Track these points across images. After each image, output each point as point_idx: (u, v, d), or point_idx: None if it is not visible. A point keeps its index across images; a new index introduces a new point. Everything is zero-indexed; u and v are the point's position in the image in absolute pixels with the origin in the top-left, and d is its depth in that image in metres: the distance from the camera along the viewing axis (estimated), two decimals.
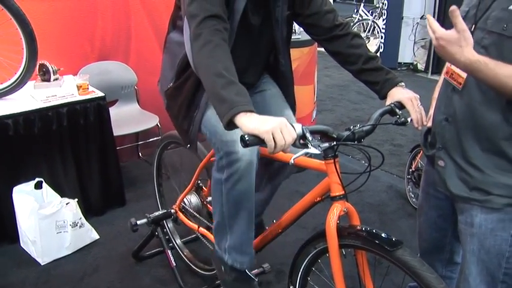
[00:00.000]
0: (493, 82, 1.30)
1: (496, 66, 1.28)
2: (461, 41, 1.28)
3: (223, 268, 2.00)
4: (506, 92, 1.31)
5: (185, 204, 2.44)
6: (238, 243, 1.91)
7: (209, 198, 2.33)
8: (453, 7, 1.28)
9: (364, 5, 9.70)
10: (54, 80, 3.25)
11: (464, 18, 1.50)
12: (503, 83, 1.28)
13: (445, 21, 6.69)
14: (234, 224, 1.87)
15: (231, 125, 1.36)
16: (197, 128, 1.86)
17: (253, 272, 2.42)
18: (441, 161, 1.58)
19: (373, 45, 8.53)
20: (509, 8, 1.32)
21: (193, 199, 2.42)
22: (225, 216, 1.87)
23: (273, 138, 1.30)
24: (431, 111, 1.69)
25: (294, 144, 1.36)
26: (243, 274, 1.98)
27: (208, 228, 2.29)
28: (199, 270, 2.60)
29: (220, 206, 1.86)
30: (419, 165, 3.26)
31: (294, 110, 2.09)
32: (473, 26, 1.44)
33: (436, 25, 1.34)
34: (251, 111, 1.34)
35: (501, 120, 1.40)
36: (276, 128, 1.30)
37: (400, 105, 1.66)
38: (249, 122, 1.32)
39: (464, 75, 1.45)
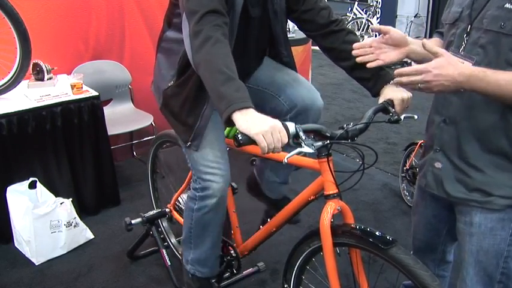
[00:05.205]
0: (495, 90, 1.29)
1: (493, 73, 1.29)
2: (451, 60, 1.30)
3: (190, 275, 2.13)
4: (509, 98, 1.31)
5: (180, 203, 2.44)
6: (202, 258, 2.07)
7: None
8: (423, 40, 1.35)
9: (358, 4, 9.72)
10: (48, 79, 3.23)
11: (459, 19, 1.50)
12: (506, 89, 1.28)
13: (438, 19, 6.71)
14: (199, 243, 2.02)
15: (229, 122, 1.36)
16: (205, 123, 1.83)
17: (248, 271, 2.43)
18: (438, 163, 1.57)
19: None
20: (505, 6, 1.32)
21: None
22: (192, 235, 2.01)
23: (264, 139, 1.31)
24: None
25: (287, 143, 1.36)
26: (207, 282, 2.13)
27: None
28: None
29: (188, 227, 2.01)
30: (414, 163, 3.27)
31: None
32: (469, 26, 1.44)
33: (412, 67, 1.34)
34: (248, 107, 1.34)
35: (501, 120, 1.40)
36: (267, 131, 1.30)
37: (393, 103, 1.66)
38: (243, 120, 1.32)
39: None
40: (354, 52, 1.64)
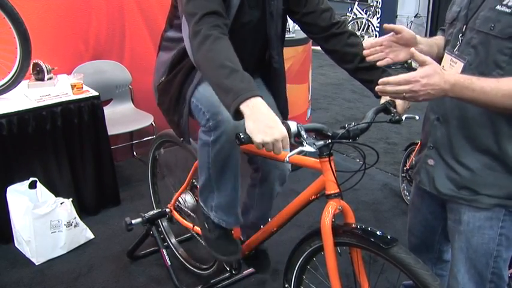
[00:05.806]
0: (481, 97, 1.30)
1: (479, 80, 1.29)
2: (437, 69, 1.29)
3: (207, 225, 2.03)
4: (497, 105, 1.30)
5: (180, 203, 2.44)
6: (225, 203, 1.94)
7: None
8: (411, 50, 1.32)
9: (358, 4, 9.73)
10: (48, 79, 3.23)
11: (456, 18, 1.51)
12: (491, 96, 1.29)
13: (439, 19, 6.71)
14: (220, 185, 1.90)
15: (238, 115, 1.34)
16: (186, 119, 1.86)
17: (248, 271, 2.43)
18: (431, 160, 1.60)
19: None
20: (496, 7, 1.34)
21: (188, 198, 2.42)
22: (212, 178, 1.89)
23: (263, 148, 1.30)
24: None
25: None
26: (227, 233, 2.03)
27: None
28: (194, 269, 2.60)
29: (207, 169, 1.87)
30: (414, 164, 3.26)
31: (286, 112, 2.09)
32: (465, 26, 1.45)
33: (400, 76, 1.30)
34: (256, 96, 1.32)
35: (490, 121, 1.41)
36: (269, 143, 1.29)
37: (394, 104, 1.66)
38: (251, 119, 1.30)
39: None
40: (364, 52, 1.62)
